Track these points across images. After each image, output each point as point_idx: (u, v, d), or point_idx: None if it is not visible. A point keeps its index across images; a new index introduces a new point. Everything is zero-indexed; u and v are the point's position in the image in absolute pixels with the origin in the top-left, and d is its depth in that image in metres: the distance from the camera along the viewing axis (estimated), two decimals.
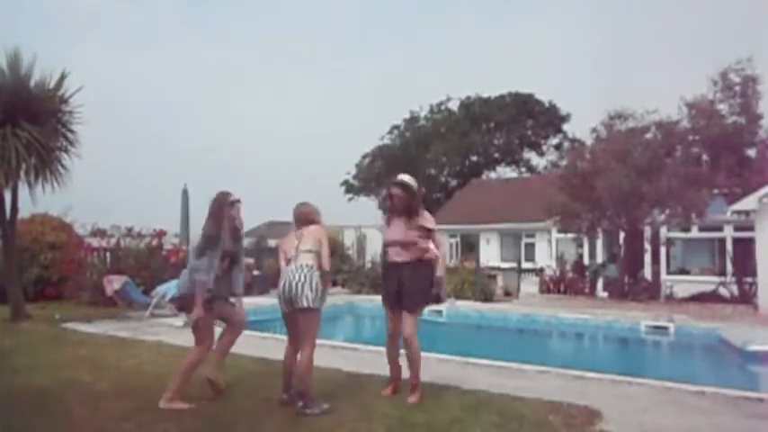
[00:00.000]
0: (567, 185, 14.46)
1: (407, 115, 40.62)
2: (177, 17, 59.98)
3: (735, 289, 13.15)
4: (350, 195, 40.39)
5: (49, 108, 9.01)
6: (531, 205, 18.02)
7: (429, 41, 56.99)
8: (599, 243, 16.89)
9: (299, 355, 4.28)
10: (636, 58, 52.70)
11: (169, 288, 9.77)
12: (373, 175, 38.74)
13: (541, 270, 16.89)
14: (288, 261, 4.40)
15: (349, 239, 20.06)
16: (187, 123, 57.06)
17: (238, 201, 4.62)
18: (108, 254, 12.77)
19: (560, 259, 16.27)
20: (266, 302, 10.53)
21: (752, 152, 15.20)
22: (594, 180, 13.39)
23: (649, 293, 13.93)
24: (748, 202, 12.35)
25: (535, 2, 54.11)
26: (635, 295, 13.74)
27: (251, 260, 14.09)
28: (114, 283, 9.82)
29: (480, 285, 14.61)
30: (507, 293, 16.39)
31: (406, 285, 4.51)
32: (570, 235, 16.19)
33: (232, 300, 4.74)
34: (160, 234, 12.98)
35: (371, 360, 5.93)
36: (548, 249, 19.24)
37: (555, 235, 18.07)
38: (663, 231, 14.86)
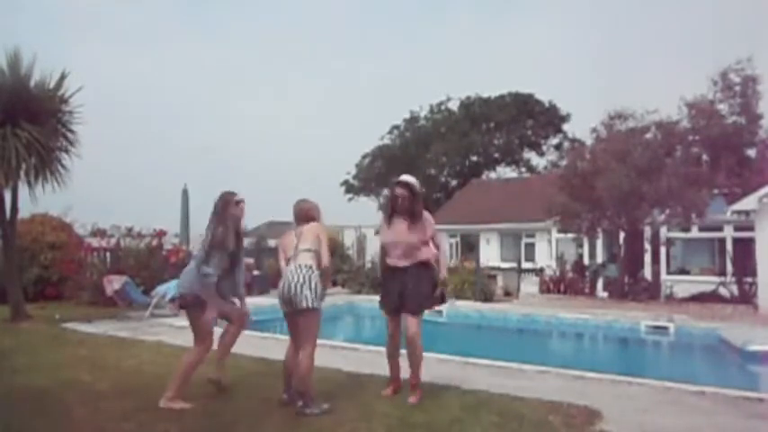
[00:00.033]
0: (567, 185, 14.46)
1: (407, 115, 40.65)
2: (177, 17, 60.06)
3: (735, 289, 13.15)
4: (350, 195, 40.42)
5: (49, 108, 9.01)
6: (531, 205, 18.02)
7: (429, 41, 57.07)
8: (599, 243, 16.89)
9: (300, 355, 4.28)
10: (636, 58, 52.76)
11: (169, 288, 9.78)
12: (373, 175, 38.75)
13: (541, 270, 16.88)
14: (287, 260, 4.41)
15: (349, 239, 20.07)
16: (187, 123, 57.18)
17: (243, 201, 4.64)
18: (108, 254, 12.77)
19: (560, 259, 16.27)
20: (266, 302, 10.53)
21: (752, 152, 15.20)
22: (594, 180, 13.39)
23: (649, 293, 13.93)
24: (748, 202, 12.35)
25: (535, 2, 54.18)
26: (635, 295, 13.74)
27: (251, 260, 14.10)
28: (114, 283, 9.81)
29: (480, 285, 14.61)
30: (507, 293, 16.39)
31: (409, 288, 4.50)
32: (570, 235, 16.19)
33: (234, 299, 4.77)
34: (160, 234, 12.98)
35: (371, 360, 5.94)
36: (548, 249, 19.23)
37: (555, 235, 18.07)
38: (663, 231, 14.86)
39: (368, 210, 38.57)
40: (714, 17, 48.04)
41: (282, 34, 59.87)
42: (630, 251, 15.05)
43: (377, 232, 4.87)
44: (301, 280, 4.18)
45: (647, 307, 12.61)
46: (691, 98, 14.24)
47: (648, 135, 14.12)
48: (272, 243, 16.63)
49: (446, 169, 38.24)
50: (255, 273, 14.04)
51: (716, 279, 14.00)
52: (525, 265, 18.37)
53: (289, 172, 52.37)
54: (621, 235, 14.76)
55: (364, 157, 39.50)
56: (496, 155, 38.89)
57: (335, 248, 17.60)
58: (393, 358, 4.78)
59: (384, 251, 4.77)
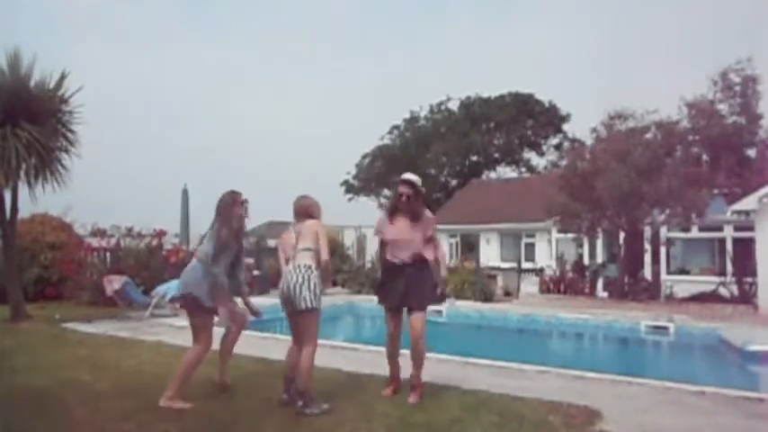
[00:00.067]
0: (567, 185, 14.47)
1: (407, 115, 40.68)
2: (177, 17, 60.07)
3: (735, 289, 13.15)
4: (350, 195, 40.43)
5: (49, 108, 9.00)
6: (531, 205, 18.03)
7: (429, 41, 57.09)
8: (599, 243, 16.89)
9: (301, 354, 4.28)
10: (636, 58, 52.78)
11: (169, 288, 9.77)
12: (373, 175, 38.76)
13: (541, 270, 16.89)
14: (287, 260, 4.41)
15: (349, 239, 20.07)
16: (187, 123, 57.18)
17: (246, 200, 4.64)
18: (108, 254, 12.77)
19: (560, 259, 16.27)
20: (266, 302, 10.51)
21: (752, 152, 15.21)
22: (594, 180, 13.39)
23: (649, 293, 13.93)
24: (748, 202, 12.36)
25: (535, 2, 54.20)
26: (635, 295, 13.74)
27: (251, 260, 14.10)
28: (114, 283, 9.81)
29: (480, 285, 14.61)
30: (507, 293, 16.40)
31: (413, 284, 4.52)
32: (570, 235, 16.20)
33: (236, 299, 4.78)
34: (160, 234, 12.98)
35: (371, 360, 5.94)
36: (548, 249, 19.24)
37: (555, 235, 18.08)
38: (663, 231, 14.86)
39: (368, 210, 38.59)
40: (714, 17, 48.10)
41: (282, 34, 59.95)
42: (630, 251, 15.05)
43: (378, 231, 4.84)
44: (300, 280, 4.18)
45: (647, 307, 12.61)
46: (691, 98, 14.26)
47: (648, 135, 14.12)
48: (271, 243, 16.63)
49: (446, 169, 38.26)
50: (255, 273, 14.03)
51: (716, 279, 14.00)
52: (525, 265, 18.38)
53: (289, 172, 52.38)
54: (621, 235, 14.76)
55: (364, 157, 39.51)
56: (496, 155, 38.90)
57: (335, 248, 17.60)
58: (393, 358, 4.79)
59: (382, 247, 4.76)
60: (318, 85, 60.82)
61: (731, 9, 45.95)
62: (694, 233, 15.06)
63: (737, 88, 14.43)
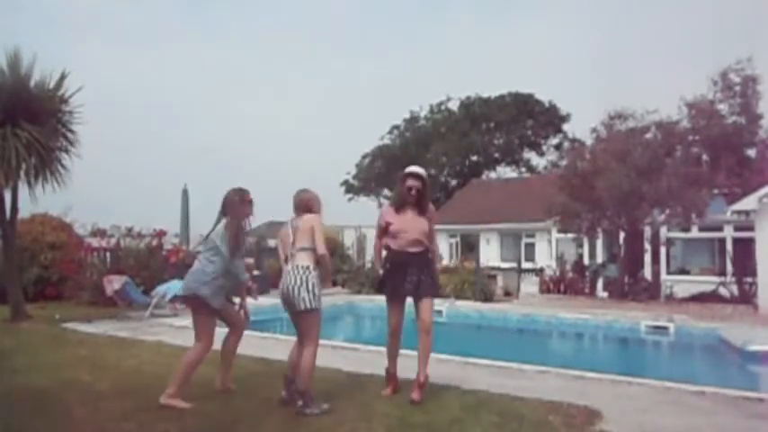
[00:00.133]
0: (567, 185, 14.46)
1: (407, 115, 40.71)
2: (177, 17, 60.10)
3: (735, 289, 13.15)
4: (350, 195, 40.46)
5: (49, 108, 9.00)
6: (531, 205, 18.03)
7: (429, 41, 57.11)
8: (599, 243, 16.90)
9: (302, 354, 4.28)
10: (636, 58, 52.80)
11: (169, 288, 9.78)
12: (373, 175, 38.77)
13: (541, 270, 16.89)
14: (286, 259, 4.41)
15: (349, 239, 20.07)
16: (187, 123, 57.19)
17: (252, 199, 4.67)
18: (108, 254, 12.76)
19: (560, 259, 16.27)
20: (266, 302, 10.52)
21: (752, 152, 15.22)
22: (594, 180, 13.39)
23: (649, 293, 13.93)
24: (748, 202, 12.36)
25: (535, 2, 54.23)
26: (635, 295, 13.74)
27: (251, 260, 14.09)
28: (114, 283, 9.81)
29: (480, 285, 14.61)
30: (507, 293, 16.40)
31: (424, 274, 4.59)
32: (570, 235, 16.20)
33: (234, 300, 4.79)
34: (160, 234, 12.98)
35: (371, 360, 5.93)
36: (548, 249, 19.24)
37: (555, 235, 18.08)
38: (663, 231, 14.86)
39: (368, 210, 38.61)
40: (714, 17, 48.11)
41: (282, 34, 59.97)
42: (630, 251, 15.05)
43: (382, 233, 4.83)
44: (298, 282, 4.18)
45: (647, 307, 12.61)
46: (691, 98, 14.26)
47: (648, 135, 14.12)
48: (272, 243, 16.62)
49: (446, 169, 38.27)
50: (255, 273, 14.03)
51: (716, 279, 14.00)
52: (525, 265, 18.38)
53: (289, 172, 52.28)
54: (621, 235, 14.76)
55: (364, 157, 39.53)
56: (496, 155, 38.91)
57: (335, 248, 17.60)
58: (393, 358, 4.79)
59: (381, 237, 4.74)
60: (318, 85, 60.91)
61: (731, 9, 46.02)
62: (694, 233, 15.06)
63: (737, 88, 14.43)
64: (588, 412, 4.27)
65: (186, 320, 8.92)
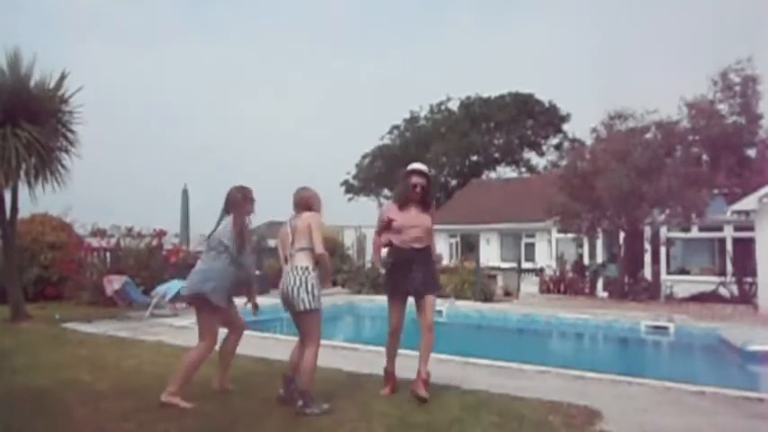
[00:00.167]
0: (567, 185, 14.46)
1: (407, 115, 40.72)
2: (177, 17, 60.12)
3: (735, 289, 13.15)
4: (350, 195, 40.47)
5: (49, 108, 9.00)
6: (531, 205, 18.03)
7: (429, 41, 57.11)
8: (599, 243, 16.90)
9: (304, 353, 4.29)
10: (636, 58, 52.80)
11: (169, 288, 9.78)
12: (373, 175, 38.78)
13: (541, 270, 16.89)
14: (285, 259, 4.41)
15: (349, 239, 20.07)
16: (187, 123, 57.22)
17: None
18: (108, 254, 12.77)
19: (560, 259, 16.27)
20: (266, 302, 10.50)
21: (752, 152, 15.23)
22: (594, 180, 13.39)
23: (649, 293, 13.93)
24: (748, 202, 12.36)
25: (535, 2, 54.23)
26: (635, 295, 13.74)
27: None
28: (114, 283, 9.81)
29: (480, 285, 14.61)
30: (507, 293, 16.40)
31: (429, 270, 4.63)
32: (570, 235, 16.20)
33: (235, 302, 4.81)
34: (160, 234, 12.98)
35: (371, 360, 5.93)
36: (548, 249, 19.24)
37: (555, 235, 18.08)
38: (663, 231, 14.86)
39: (368, 210, 38.62)
40: (714, 17, 48.12)
41: (282, 34, 60.00)
42: (630, 251, 15.05)
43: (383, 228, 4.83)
44: (297, 283, 4.19)
45: (647, 307, 12.61)
46: (691, 98, 14.26)
47: (648, 135, 14.12)
48: (272, 243, 16.61)
49: (446, 169, 38.27)
50: (256, 273, 14.03)
51: (716, 279, 14.00)
52: (525, 265, 18.38)
53: (289, 172, 52.26)
54: (621, 235, 14.76)
55: (364, 157, 39.54)
56: (496, 155, 38.92)
57: (335, 248, 17.60)
58: (392, 358, 4.80)
59: (380, 234, 4.74)
60: (318, 85, 60.94)
61: (731, 9, 46.02)
62: (694, 233, 15.06)
63: (737, 88, 14.44)
64: (588, 412, 4.27)
65: (186, 320, 8.95)
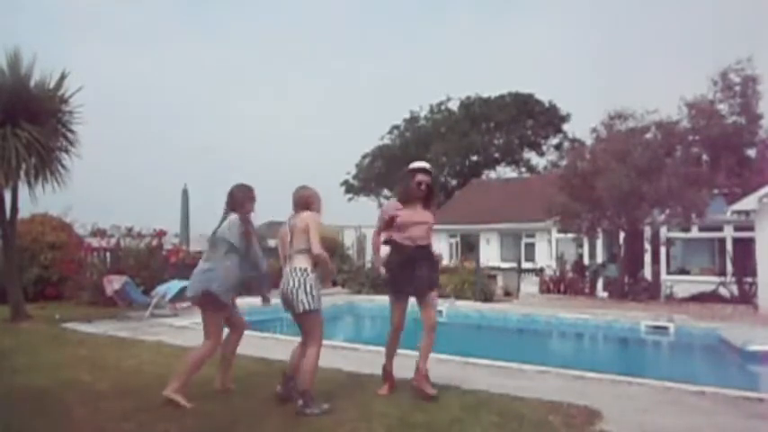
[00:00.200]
0: (567, 185, 14.47)
1: (407, 115, 40.71)
2: (177, 17, 60.12)
3: (735, 289, 13.15)
4: (350, 195, 40.46)
5: (49, 108, 9.00)
6: (531, 205, 18.03)
7: (429, 41, 57.11)
8: (599, 243, 16.89)
9: (306, 353, 4.29)
10: (636, 58, 52.80)
11: (169, 288, 9.78)
12: (373, 175, 38.78)
13: (541, 270, 16.89)
14: (285, 259, 4.42)
15: (349, 239, 20.04)
16: (187, 123, 57.22)
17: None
18: (108, 254, 12.76)
19: (560, 259, 16.27)
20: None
21: (752, 152, 15.22)
22: (594, 180, 13.39)
23: (649, 293, 13.93)
24: (748, 202, 12.36)
25: (535, 2, 54.23)
26: (635, 295, 13.74)
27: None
28: (114, 283, 9.81)
29: (480, 285, 14.61)
30: (507, 293, 16.40)
31: (433, 267, 4.67)
32: (570, 235, 16.20)
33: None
34: (160, 234, 12.97)
35: (371, 360, 5.92)
36: (548, 249, 19.24)
37: (555, 235, 18.08)
38: (663, 231, 14.86)
39: (368, 210, 38.62)
40: (714, 17, 48.12)
41: (282, 34, 59.99)
42: (630, 251, 15.05)
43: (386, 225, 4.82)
44: (296, 285, 4.19)
45: (647, 307, 12.61)
46: (691, 98, 14.26)
47: (648, 135, 14.12)
48: (272, 243, 16.61)
49: (446, 169, 38.27)
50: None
51: (716, 279, 14.01)
52: (525, 265, 18.38)
53: (289, 172, 52.20)
54: (621, 235, 14.76)
55: (364, 157, 39.53)
56: (496, 155, 38.91)
57: (335, 248, 17.57)
58: (392, 357, 4.81)
59: (380, 233, 4.75)
60: (318, 85, 60.93)
61: (731, 9, 46.03)
62: (694, 233, 15.07)
63: (737, 88, 14.43)
64: (588, 412, 4.27)
65: (186, 320, 8.95)
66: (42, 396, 4.61)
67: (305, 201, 4.46)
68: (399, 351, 4.83)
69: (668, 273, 15.40)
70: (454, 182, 37.45)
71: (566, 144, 35.59)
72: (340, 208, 38.17)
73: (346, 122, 58.66)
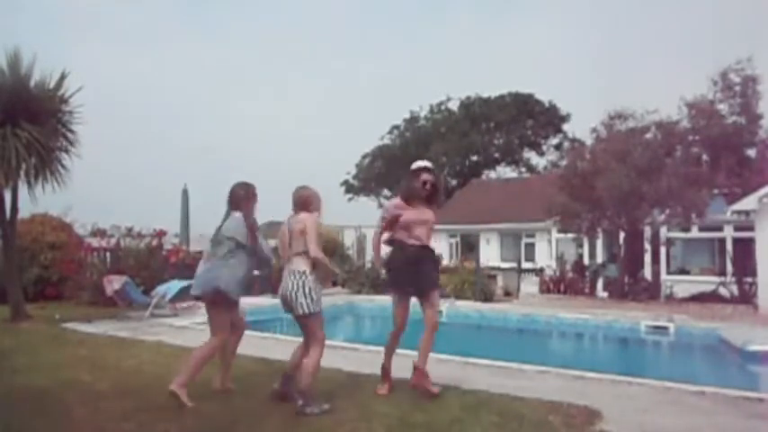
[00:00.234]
0: (567, 185, 14.46)
1: (407, 115, 40.73)
2: (177, 17, 60.14)
3: (735, 289, 13.15)
4: (350, 195, 40.47)
5: (49, 108, 9.00)
6: (531, 205, 18.03)
7: (429, 41, 57.14)
8: (599, 243, 16.89)
9: (308, 353, 4.30)
10: (636, 58, 52.83)
11: (169, 288, 9.79)
12: (373, 175, 38.79)
13: (541, 270, 16.89)
14: (285, 259, 4.43)
15: (349, 239, 20.04)
16: (187, 123, 57.27)
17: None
18: (108, 254, 12.76)
19: (560, 259, 16.27)
20: (266, 302, 10.53)
21: (752, 152, 15.21)
22: (594, 180, 13.39)
23: (649, 293, 13.93)
24: (748, 202, 12.35)
25: (535, 2, 54.26)
26: (635, 295, 13.73)
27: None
28: (114, 283, 9.81)
29: (480, 285, 14.61)
30: (507, 293, 16.39)
31: (436, 266, 4.73)
32: (570, 235, 16.20)
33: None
34: (160, 234, 12.97)
35: (371, 360, 5.92)
36: (548, 249, 19.24)
37: (555, 235, 18.08)
38: (663, 231, 14.86)
39: (368, 210, 38.64)
40: (714, 17, 48.14)
41: (282, 34, 60.02)
42: (630, 251, 15.05)
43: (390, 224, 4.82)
44: (295, 287, 4.20)
45: (647, 307, 12.61)
46: (691, 98, 14.25)
47: (648, 135, 14.12)
48: (272, 243, 16.62)
49: (446, 169, 38.26)
50: (255, 273, 14.02)
51: (716, 279, 14.00)
52: (525, 265, 18.38)
53: (289, 172, 52.17)
54: (621, 235, 14.76)
55: (364, 157, 39.54)
56: (496, 155, 38.94)
57: (336, 248, 17.58)
58: (391, 356, 4.82)
59: (382, 233, 4.76)
60: (318, 85, 60.97)
61: (731, 9, 46.04)
62: (694, 233, 15.06)
63: (737, 88, 14.43)
64: (588, 412, 4.27)
65: (186, 320, 8.96)
66: (42, 396, 4.61)
67: (304, 201, 4.45)
68: (399, 351, 4.84)
69: (668, 273, 15.39)
70: (454, 182, 37.45)
71: (566, 144, 35.61)
72: (340, 208, 38.25)
73: (346, 122, 58.77)
